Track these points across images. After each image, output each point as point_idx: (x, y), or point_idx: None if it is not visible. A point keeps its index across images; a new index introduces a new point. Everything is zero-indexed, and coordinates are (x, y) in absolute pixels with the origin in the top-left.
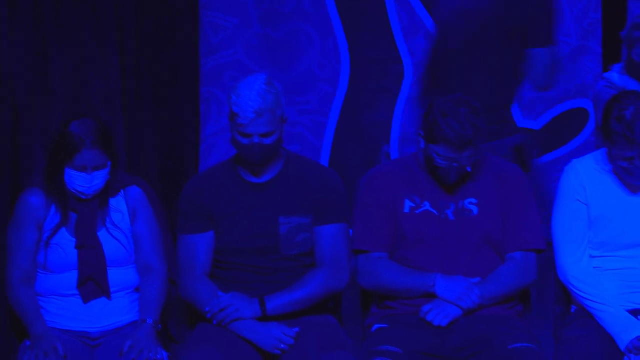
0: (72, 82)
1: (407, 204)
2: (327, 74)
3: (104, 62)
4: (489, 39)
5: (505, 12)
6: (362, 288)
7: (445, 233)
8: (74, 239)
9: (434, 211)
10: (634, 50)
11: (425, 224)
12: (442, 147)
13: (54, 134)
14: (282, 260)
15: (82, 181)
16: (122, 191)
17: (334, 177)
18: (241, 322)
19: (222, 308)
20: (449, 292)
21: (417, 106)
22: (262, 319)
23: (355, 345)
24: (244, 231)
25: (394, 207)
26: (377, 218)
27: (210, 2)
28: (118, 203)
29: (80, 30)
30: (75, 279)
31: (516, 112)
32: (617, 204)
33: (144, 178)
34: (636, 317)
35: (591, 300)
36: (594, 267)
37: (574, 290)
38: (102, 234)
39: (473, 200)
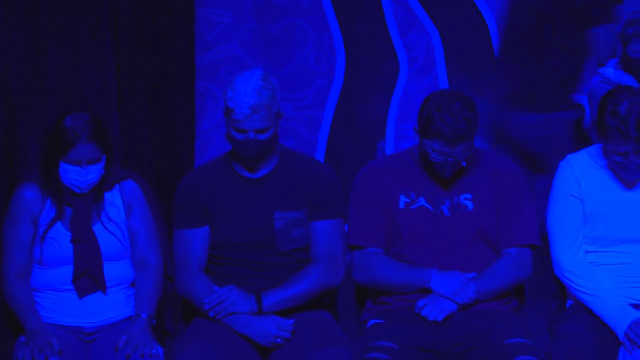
0: (67, 79)
1: (403, 199)
2: (322, 69)
3: (100, 58)
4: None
5: None
6: (358, 284)
7: (440, 229)
8: (69, 234)
9: (429, 207)
10: (629, 46)
11: (421, 220)
12: (437, 142)
13: (49, 129)
14: (277, 256)
15: (77, 175)
16: (117, 185)
17: (330, 173)
18: (236, 317)
19: (219, 302)
20: (444, 287)
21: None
22: (257, 314)
23: (351, 341)
24: (239, 226)
25: (389, 202)
26: (373, 214)
27: None
28: (113, 197)
29: (75, 27)
30: (71, 274)
31: None
32: (611, 199)
33: (140, 174)
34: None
35: (587, 294)
36: (589, 263)
37: (570, 284)
38: (97, 228)
39: (468, 195)
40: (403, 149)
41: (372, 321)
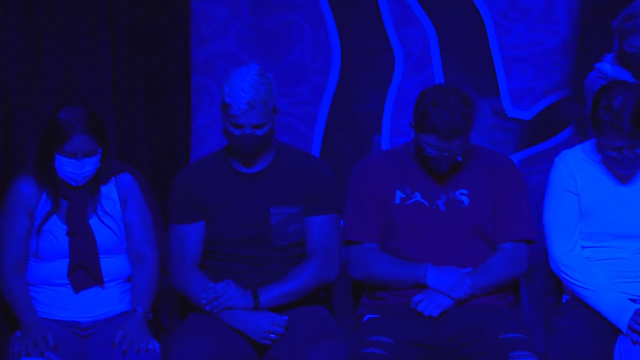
0: (63, 74)
1: (398, 194)
2: (318, 64)
3: (96, 53)
4: None
5: None
6: (354, 279)
7: (436, 224)
8: (65, 227)
9: (425, 202)
10: (626, 41)
11: (417, 215)
12: (432, 136)
13: (45, 122)
14: (273, 251)
15: (72, 168)
16: (113, 179)
17: (326, 168)
18: (231, 312)
19: (216, 296)
20: (440, 282)
21: None
22: (254, 310)
23: (347, 336)
24: (235, 221)
25: (385, 198)
26: (369, 209)
27: None
28: (109, 190)
29: (72, 23)
30: (67, 268)
31: (507, 102)
32: (606, 194)
33: (136, 169)
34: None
35: (584, 288)
36: (585, 258)
37: (567, 279)
38: (93, 222)
39: (464, 191)
40: (399, 144)
41: (367, 316)
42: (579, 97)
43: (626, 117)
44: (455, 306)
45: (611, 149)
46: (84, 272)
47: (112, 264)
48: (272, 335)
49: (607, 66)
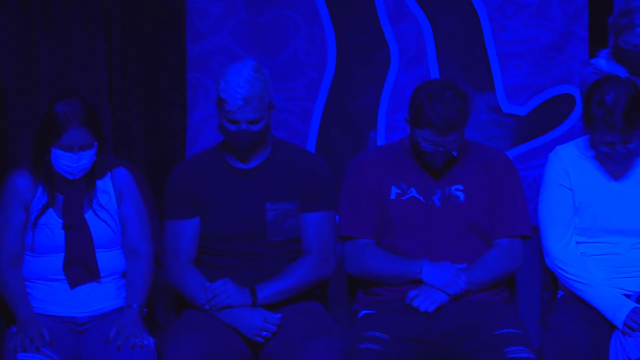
0: (59, 69)
1: (394, 190)
2: (313, 60)
3: (91, 48)
4: None
5: None
6: (349, 274)
7: (431, 219)
8: (61, 220)
9: (421, 197)
10: (621, 37)
11: (412, 211)
12: (428, 131)
13: (40, 117)
14: (268, 247)
15: (68, 161)
16: (109, 173)
17: (321, 164)
18: (226, 309)
19: (214, 295)
20: (436, 278)
21: None
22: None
23: (342, 331)
24: (230, 217)
25: (380, 193)
26: (364, 204)
27: None
28: (105, 185)
29: (67, 17)
30: (62, 262)
31: (502, 97)
32: (600, 190)
33: (131, 164)
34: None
35: (580, 283)
36: (580, 253)
37: (562, 274)
38: (89, 216)
39: (460, 186)
40: (394, 140)
41: (363, 312)
42: None
43: (618, 113)
44: (451, 302)
45: (603, 144)
46: (80, 267)
47: (108, 259)
48: (265, 333)
49: (602, 62)
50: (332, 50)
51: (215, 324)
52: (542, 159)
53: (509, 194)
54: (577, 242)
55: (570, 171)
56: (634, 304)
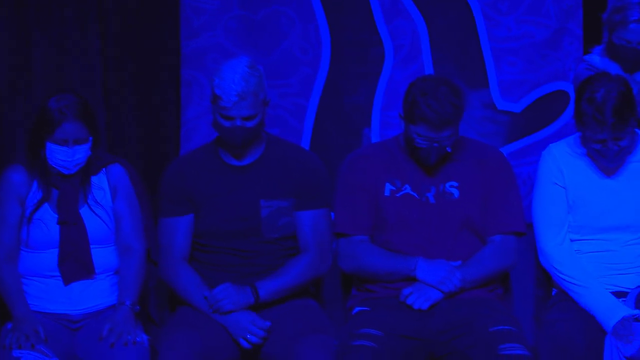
0: (53, 66)
1: (388, 187)
2: (308, 57)
3: (86, 45)
4: None
5: None
6: (343, 271)
7: (426, 216)
8: (56, 215)
9: (415, 194)
10: (615, 34)
11: (406, 208)
12: (422, 126)
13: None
14: (263, 244)
15: (63, 155)
16: (104, 169)
17: (316, 162)
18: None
19: (217, 300)
20: (430, 276)
21: None
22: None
23: (336, 328)
24: (225, 214)
25: (375, 190)
26: (359, 201)
27: None
28: (100, 181)
29: (61, 14)
30: (57, 258)
31: (496, 94)
32: (592, 187)
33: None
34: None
35: (574, 284)
36: (574, 251)
37: (557, 273)
38: (84, 211)
39: (454, 183)
40: (389, 136)
41: (357, 309)
42: None
43: (608, 110)
44: (445, 299)
45: (595, 141)
46: (75, 263)
47: (102, 255)
48: (250, 336)
49: (595, 58)
50: (327, 47)
51: (209, 322)
52: (536, 156)
53: (503, 191)
54: (572, 240)
55: (563, 169)
56: (624, 313)
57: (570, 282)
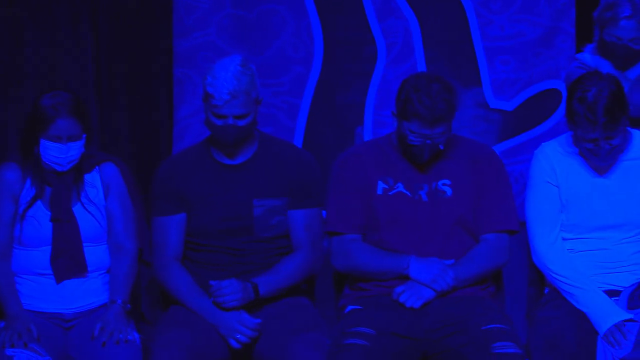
0: (45, 64)
1: (381, 185)
2: (300, 55)
3: (78, 43)
4: None
5: None
6: (336, 270)
7: (419, 214)
8: (49, 213)
9: (408, 192)
10: (606, 31)
11: (399, 206)
12: (415, 123)
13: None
14: (256, 243)
15: (57, 152)
16: (97, 167)
17: (309, 160)
18: (205, 308)
19: (223, 294)
20: (423, 274)
21: None
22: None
23: (329, 327)
24: (218, 213)
25: (367, 188)
26: (351, 200)
27: None
28: (93, 179)
29: (54, 13)
30: (49, 255)
31: (489, 93)
32: (585, 186)
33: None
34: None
35: (567, 284)
36: (567, 250)
37: (550, 273)
38: (77, 209)
39: (447, 181)
40: (381, 135)
41: (349, 307)
42: None
43: (600, 109)
44: (438, 298)
45: (587, 140)
46: (67, 260)
47: (95, 253)
48: (239, 336)
49: (587, 56)
50: (319, 45)
51: (201, 321)
52: (528, 154)
53: (495, 189)
54: (565, 239)
55: (556, 168)
56: (618, 318)
57: (562, 282)
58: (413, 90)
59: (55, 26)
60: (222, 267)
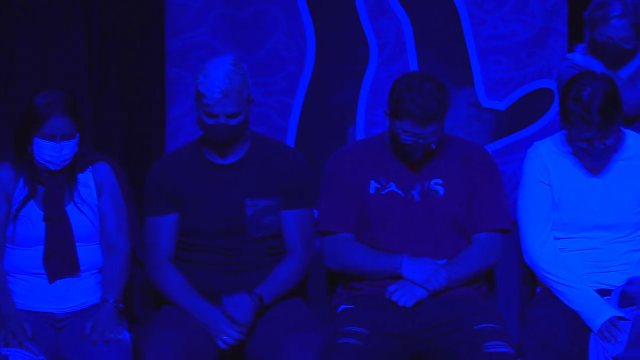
0: (38, 63)
1: (373, 185)
2: (293, 55)
3: (70, 42)
4: None
5: None
6: (329, 269)
7: (411, 214)
8: (42, 212)
9: (400, 192)
10: (597, 30)
11: (391, 205)
12: (407, 122)
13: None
14: (248, 242)
15: (51, 151)
16: (90, 167)
17: (302, 160)
18: (197, 307)
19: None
20: (415, 273)
21: None
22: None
23: (322, 326)
24: (210, 213)
25: (359, 188)
26: (344, 199)
27: None
28: (86, 178)
29: (46, 11)
30: (42, 255)
31: (481, 92)
32: (578, 186)
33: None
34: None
35: (559, 283)
36: (559, 249)
37: (541, 272)
38: (70, 209)
39: (439, 180)
40: (374, 134)
41: (342, 306)
42: None
43: (594, 109)
44: (430, 297)
45: (581, 140)
46: (60, 260)
47: (87, 253)
48: (226, 337)
49: (578, 56)
50: (312, 45)
51: (193, 321)
52: (521, 153)
53: (488, 189)
54: (557, 238)
55: (549, 167)
56: (611, 313)
57: (554, 281)
58: (405, 89)
59: (48, 26)
60: (214, 267)
